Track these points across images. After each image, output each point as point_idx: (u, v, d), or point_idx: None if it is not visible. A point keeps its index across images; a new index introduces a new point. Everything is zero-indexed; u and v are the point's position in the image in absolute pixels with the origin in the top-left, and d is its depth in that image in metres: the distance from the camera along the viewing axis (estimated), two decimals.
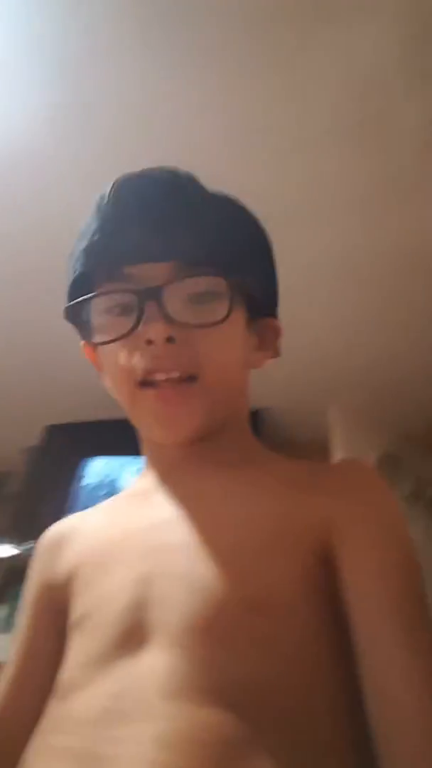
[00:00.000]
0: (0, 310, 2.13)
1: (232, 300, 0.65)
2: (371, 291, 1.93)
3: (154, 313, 0.64)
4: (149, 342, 0.64)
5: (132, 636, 0.56)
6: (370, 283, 1.91)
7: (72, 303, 0.68)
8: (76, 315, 0.69)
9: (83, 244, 0.68)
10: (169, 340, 0.64)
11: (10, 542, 2.31)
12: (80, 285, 0.68)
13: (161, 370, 0.65)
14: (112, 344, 0.66)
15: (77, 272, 0.68)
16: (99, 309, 0.68)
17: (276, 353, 0.75)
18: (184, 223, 0.65)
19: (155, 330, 0.63)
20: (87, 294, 0.67)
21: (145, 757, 0.47)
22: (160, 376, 0.65)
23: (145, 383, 0.65)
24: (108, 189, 0.68)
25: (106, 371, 0.70)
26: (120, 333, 0.65)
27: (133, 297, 0.65)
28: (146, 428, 0.71)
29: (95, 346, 0.71)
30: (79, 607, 0.63)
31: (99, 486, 2.68)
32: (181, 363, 0.65)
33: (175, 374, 0.65)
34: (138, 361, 0.65)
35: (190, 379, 0.65)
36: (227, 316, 0.64)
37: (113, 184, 0.67)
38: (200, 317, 0.65)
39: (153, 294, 0.64)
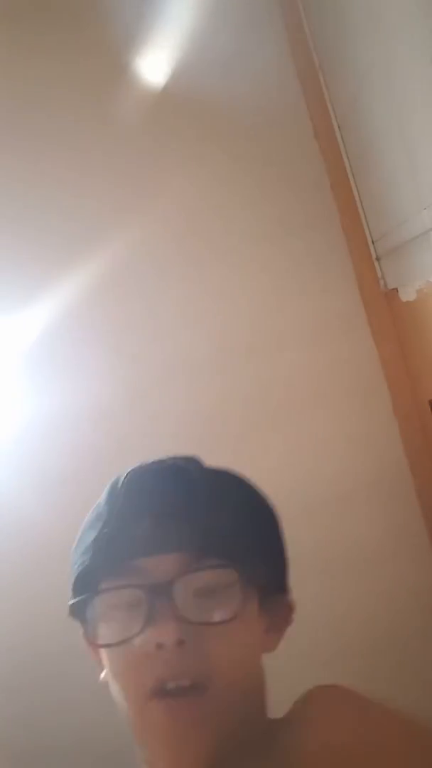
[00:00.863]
0: None
1: (244, 593, 0.63)
2: None
3: (164, 612, 0.61)
4: (159, 646, 0.60)
5: None
6: None
7: (76, 600, 0.66)
8: (80, 612, 0.66)
9: (92, 535, 0.67)
10: (180, 643, 0.60)
11: None
12: (86, 580, 0.66)
13: (171, 677, 0.61)
14: (117, 649, 0.63)
15: (84, 566, 0.66)
16: (104, 605, 0.65)
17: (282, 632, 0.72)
18: (191, 513, 0.64)
19: (166, 632, 0.60)
20: (93, 589, 0.65)
21: None
22: (170, 685, 0.61)
23: (155, 694, 0.61)
24: (119, 481, 0.68)
25: (112, 676, 0.65)
26: (127, 634, 0.62)
27: (141, 593, 0.62)
28: (152, 752, 0.64)
29: (99, 648, 0.66)
30: None
31: None
32: (191, 669, 0.61)
33: (186, 682, 0.61)
34: (148, 669, 0.61)
35: (200, 688, 0.61)
36: (242, 608, 0.62)
37: (125, 477, 0.68)
38: (211, 614, 0.62)
39: (162, 590, 0.61)
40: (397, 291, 1.55)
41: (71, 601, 0.67)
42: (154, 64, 1.63)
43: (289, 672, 0.79)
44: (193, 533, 0.63)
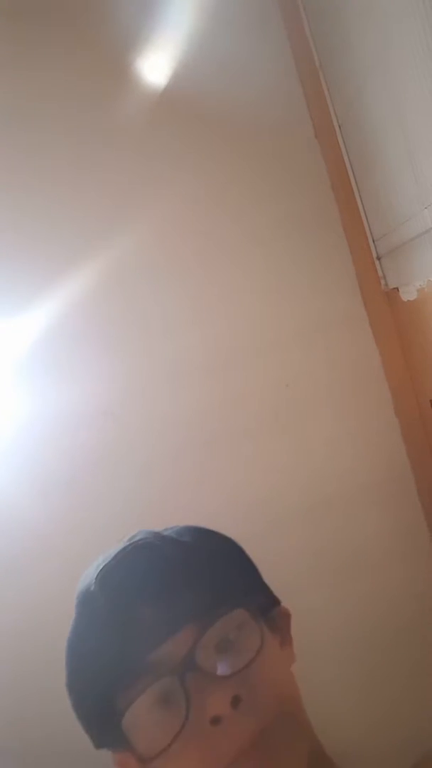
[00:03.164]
0: None
1: (258, 624, 0.63)
2: None
3: (199, 684, 0.57)
4: (216, 720, 0.57)
5: None
6: None
7: (100, 733, 0.63)
8: (110, 740, 0.62)
9: (87, 662, 0.64)
10: (235, 701, 0.57)
11: None
12: (105, 706, 0.61)
13: (246, 742, 0.57)
14: (174, 747, 0.57)
15: (99, 696, 0.61)
16: (136, 718, 0.59)
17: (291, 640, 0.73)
18: (177, 582, 0.62)
19: (215, 702, 0.57)
20: (115, 712, 0.60)
21: None
22: (246, 743, 0.57)
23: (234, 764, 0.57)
24: (89, 589, 0.64)
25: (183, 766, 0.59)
26: (176, 727, 0.57)
27: (168, 680, 0.58)
28: None
29: (151, 759, 0.59)
30: None
31: None
32: (259, 717, 0.58)
33: (258, 730, 0.57)
34: (216, 750, 0.56)
35: (272, 729, 0.59)
36: (263, 637, 0.62)
37: (95, 583, 0.63)
38: (242, 656, 0.60)
39: (187, 664, 0.58)
40: (398, 290, 1.55)
41: (95, 739, 0.63)
42: (155, 64, 1.62)
43: None
44: (187, 600, 0.61)
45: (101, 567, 0.64)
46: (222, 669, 0.58)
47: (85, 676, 0.64)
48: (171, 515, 0.80)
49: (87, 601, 0.65)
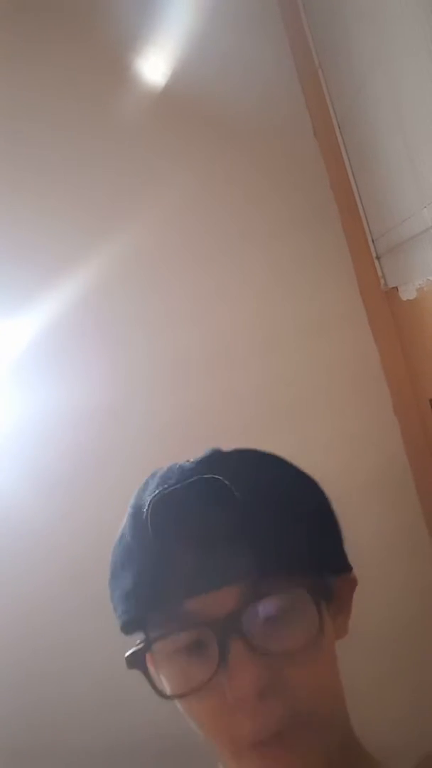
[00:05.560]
0: None
1: (319, 608, 0.56)
2: None
3: (238, 649, 0.53)
4: (240, 699, 0.53)
5: None
6: None
7: (131, 653, 0.58)
8: (138, 662, 0.58)
9: (128, 577, 0.58)
10: (262, 696, 0.53)
11: None
12: (136, 627, 0.58)
13: (259, 730, 0.54)
14: (192, 697, 0.56)
15: (130, 614, 0.58)
16: (163, 653, 0.57)
17: (350, 610, 0.65)
18: (234, 532, 0.55)
19: (244, 682, 0.53)
20: (145, 634, 0.58)
21: None
22: (261, 736, 0.54)
23: (246, 747, 0.55)
24: (143, 510, 0.58)
25: (195, 717, 0.58)
26: (201, 679, 0.55)
27: (208, 631, 0.54)
28: None
29: (170, 698, 0.58)
30: None
31: None
32: (279, 715, 0.54)
33: (277, 728, 0.54)
34: (233, 721, 0.54)
35: (294, 728, 0.55)
36: (321, 630, 0.55)
37: (148, 506, 0.57)
38: (290, 641, 0.55)
39: (231, 623, 0.53)
40: (398, 289, 1.55)
41: (127, 654, 0.58)
42: (155, 64, 1.63)
43: None
44: (243, 557, 0.54)
45: (159, 491, 0.58)
46: (262, 642, 0.54)
47: (125, 591, 0.59)
48: None
49: (136, 519, 0.59)
